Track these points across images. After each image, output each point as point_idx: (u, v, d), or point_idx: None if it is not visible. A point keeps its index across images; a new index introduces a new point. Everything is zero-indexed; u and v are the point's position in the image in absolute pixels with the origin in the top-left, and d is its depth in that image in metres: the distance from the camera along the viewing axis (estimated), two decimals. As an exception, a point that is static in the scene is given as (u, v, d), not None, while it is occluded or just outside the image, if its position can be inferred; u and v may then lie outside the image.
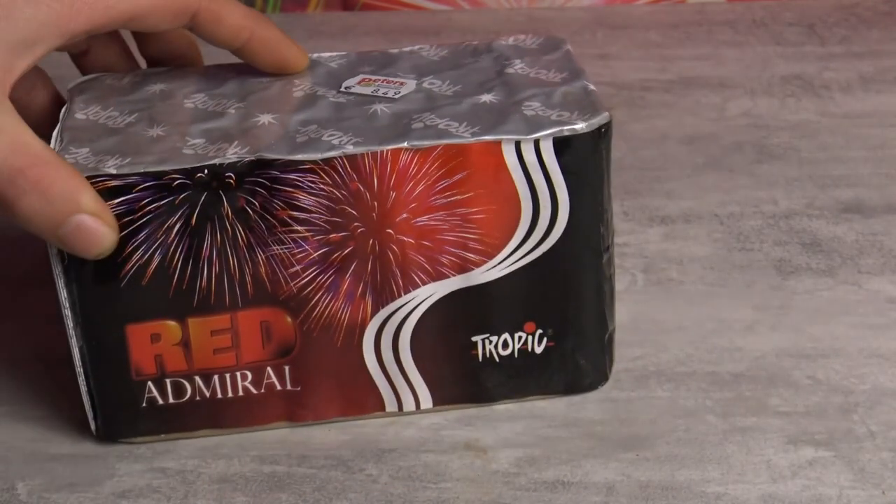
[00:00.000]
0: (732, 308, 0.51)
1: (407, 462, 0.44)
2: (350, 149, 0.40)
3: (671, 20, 0.79)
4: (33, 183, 0.38)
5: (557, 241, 0.43)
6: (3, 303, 0.53)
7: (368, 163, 0.41)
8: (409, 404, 0.45)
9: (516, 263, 0.43)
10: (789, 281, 0.52)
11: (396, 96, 0.44)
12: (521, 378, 0.45)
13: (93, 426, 0.44)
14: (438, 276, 0.43)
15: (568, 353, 0.45)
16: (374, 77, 0.45)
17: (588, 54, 0.74)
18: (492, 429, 0.45)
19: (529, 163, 0.41)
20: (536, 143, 0.41)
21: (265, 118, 0.43)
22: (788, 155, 0.63)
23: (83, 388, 0.43)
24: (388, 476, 0.43)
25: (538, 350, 0.45)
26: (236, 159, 0.40)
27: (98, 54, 0.47)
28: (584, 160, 0.42)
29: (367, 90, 0.44)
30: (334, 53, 0.47)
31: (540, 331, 0.44)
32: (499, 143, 0.41)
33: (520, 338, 0.44)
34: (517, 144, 0.41)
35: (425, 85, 0.44)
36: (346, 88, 0.44)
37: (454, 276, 0.43)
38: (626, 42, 0.76)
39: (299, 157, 0.40)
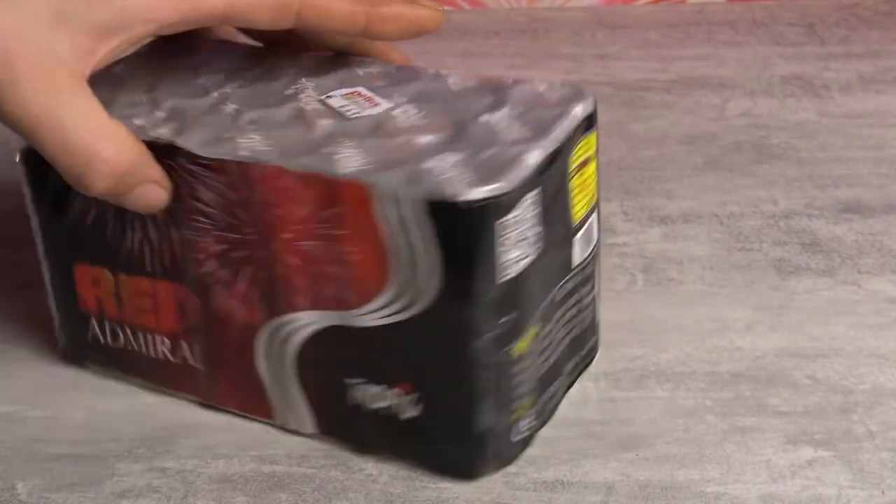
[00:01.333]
0: (732, 308, 0.51)
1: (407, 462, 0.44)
2: (243, 154, 0.40)
3: (671, 20, 0.79)
4: (112, 167, 0.40)
5: (428, 308, 0.39)
6: (3, 303, 0.53)
7: (257, 174, 0.40)
8: (293, 422, 0.44)
9: (391, 317, 0.40)
10: (789, 281, 0.52)
11: (351, 116, 0.42)
12: (392, 438, 0.43)
13: (60, 347, 0.48)
14: (319, 306, 0.41)
15: (435, 432, 0.42)
16: (363, 92, 0.44)
17: (588, 54, 0.74)
18: (491, 429, 0.45)
19: (405, 218, 0.38)
20: (413, 200, 0.38)
21: (230, 107, 0.43)
22: (788, 155, 0.63)
23: (53, 309, 0.48)
24: (388, 476, 0.43)
25: (409, 415, 0.42)
26: (153, 139, 0.41)
27: None
28: (460, 233, 0.38)
29: (339, 103, 0.43)
30: (367, 61, 0.46)
31: (413, 395, 0.41)
32: (366, 188, 0.38)
33: (393, 395, 0.42)
34: (391, 196, 0.38)
35: (394, 112, 0.42)
36: (326, 97, 0.44)
37: (333, 310, 0.41)
38: (626, 42, 0.76)
39: (200, 151, 0.41)
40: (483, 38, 0.78)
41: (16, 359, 0.50)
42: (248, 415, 0.45)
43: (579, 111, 0.42)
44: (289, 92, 0.44)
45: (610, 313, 0.51)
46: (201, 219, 0.42)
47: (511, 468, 0.43)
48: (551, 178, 0.40)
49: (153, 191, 0.41)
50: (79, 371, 0.49)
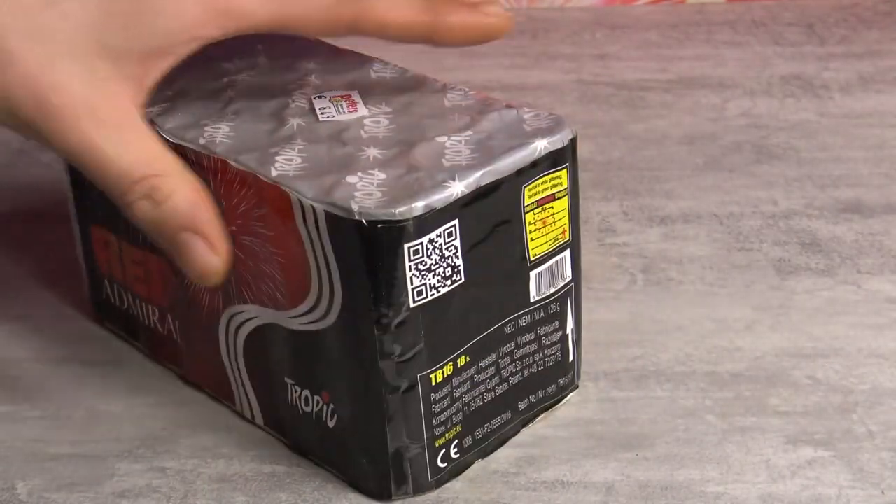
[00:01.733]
0: (732, 308, 0.51)
1: (407, 462, 0.44)
2: (200, 143, 0.41)
3: (671, 20, 0.79)
4: (149, 190, 0.39)
5: (335, 322, 0.39)
6: (3, 303, 0.53)
7: (207, 164, 0.41)
8: (247, 411, 0.45)
9: (309, 325, 0.40)
10: (789, 281, 0.52)
11: (322, 119, 0.42)
12: (321, 444, 0.42)
13: (88, 301, 0.51)
14: (260, 301, 0.42)
15: (354, 448, 0.41)
16: (351, 96, 0.44)
17: (588, 54, 0.74)
18: (491, 429, 0.45)
19: (318, 228, 0.38)
20: (314, 210, 0.38)
21: (228, 94, 0.44)
22: (788, 155, 0.63)
23: (82, 266, 0.50)
24: (387, 476, 0.43)
25: (330, 424, 0.41)
26: (150, 113, 0.42)
27: None
28: (360, 252, 0.37)
29: (322, 105, 0.43)
30: (389, 65, 0.46)
31: (332, 405, 0.41)
32: (287, 194, 0.38)
33: (317, 402, 0.41)
34: (305, 205, 0.38)
35: (366, 120, 0.42)
36: (315, 96, 0.44)
37: (270, 308, 0.41)
38: (625, 42, 0.76)
39: (167, 134, 0.42)
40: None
41: (17, 359, 0.50)
42: (217, 397, 0.46)
43: (542, 145, 0.40)
44: (291, 86, 0.44)
45: (610, 313, 0.51)
46: None
47: (511, 468, 0.43)
48: (487, 210, 0.39)
49: (200, 247, 0.39)
50: (79, 371, 0.49)
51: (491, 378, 0.42)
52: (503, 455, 0.44)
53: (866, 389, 0.46)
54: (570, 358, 0.45)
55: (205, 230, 0.39)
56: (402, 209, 0.37)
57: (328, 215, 0.37)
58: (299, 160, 0.40)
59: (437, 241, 0.38)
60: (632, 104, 0.68)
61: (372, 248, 0.37)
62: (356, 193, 0.38)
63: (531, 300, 0.42)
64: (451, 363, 0.40)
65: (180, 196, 0.39)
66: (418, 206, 0.37)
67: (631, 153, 0.63)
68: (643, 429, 0.45)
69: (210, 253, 0.39)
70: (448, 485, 0.42)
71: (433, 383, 0.40)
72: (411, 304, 0.38)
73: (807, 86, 0.70)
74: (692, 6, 0.81)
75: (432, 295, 0.39)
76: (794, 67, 0.72)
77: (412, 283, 0.38)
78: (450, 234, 0.38)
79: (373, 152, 0.40)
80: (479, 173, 0.39)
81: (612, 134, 0.65)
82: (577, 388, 0.46)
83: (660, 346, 0.49)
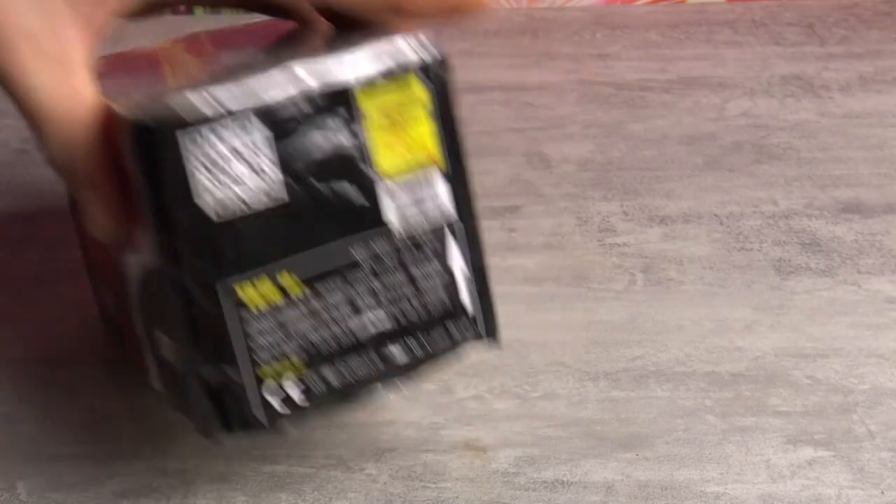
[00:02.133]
0: (732, 308, 0.51)
1: (407, 462, 0.44)
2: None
3: (671, 20, 0.79)
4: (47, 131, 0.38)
5: (151, 242, 0.38)
6: (3, 303, 0.53)
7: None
8: (153, 379, 0.42)
9: (145, 256, 0.39)
10: (789, 281, 0.52)
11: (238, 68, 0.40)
12: (176, 391, 0.40)
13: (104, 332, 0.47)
14: (130, 246, 0.40)
15: (186, 383, 0.39)
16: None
17: (588, 54, 0.74)
18: (491, 428, 0.45)
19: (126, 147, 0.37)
20: (129, 129, 0.36)
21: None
22: (788, 155, 0.63)
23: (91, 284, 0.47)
24: (387, 476, 0.43)
25: (171, 363, 0.40)
26: None
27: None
28: (146, 149, 0.36)
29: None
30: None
31: (171, 341, 0.39)
32: (114, 112, 0.37)
33: (165, 344, 0.40)
34: (123, 124, 0.36)
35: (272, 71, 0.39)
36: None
37: (132, 251, 0.40)
38: (625, 42, 0.76)
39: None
40: (483, 38, 0.77)
41: (16, 359, 0.50)
42: (144, 379, 0.43)
43: (389, 55, 0.38)
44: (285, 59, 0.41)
45: (610, 313, 0.51)
46: None
47: (511, 468, 0.43)
48: (306, 114, 0.37)
49: (97, 206, 0.39)
50: (79, 371, 0.49)
51: (343, 313, 0.39)
52: (503, 455, 0.44)
53: (866, 389, 0.46)
54: (468, 309, 0.41)
55: (104, 189, 0.38)
56: (182, 102, 0.35)
57: (127, 124, 0.36)
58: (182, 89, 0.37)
59: (231, 141, 0.36)
60: (632, 104, 0.68)
61: (151, 144, 0.36)
62: (156, 102, 0.36)
63: (388, 225, 0.39)
64: (269, 281, 0.38)
65: (92, 148, 0.38)
66: (203, 102, 0.36)
67: (631, 153, 0.63)
68: (643, 429, 0.45)
69: (101, 211, 0.39)
70: (448, 484, 0.42)
71: (252, 307, 0.37)
72: (206, 210, 0.36)
73: (807, 86, 0.70)
74: (692, 6, 0.81)
75: (234, 202, 0.37)
76: (794, 67, 0.72)
77: (207, 185, 0.36)
78: (247, 133, 0.37)
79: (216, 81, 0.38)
80: (295, 76, 0.37)
81: (612, 134, 0.65)
82: (486, 340, 0.42)
83: (660, 346, 0.49)
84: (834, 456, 0.43)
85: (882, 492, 0.41)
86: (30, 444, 0.45)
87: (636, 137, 0.65)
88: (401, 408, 0.46)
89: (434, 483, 0.43)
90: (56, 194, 0.60)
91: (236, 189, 0.36)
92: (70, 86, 0.38)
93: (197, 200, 0.36)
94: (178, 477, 0.43)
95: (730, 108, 0.67)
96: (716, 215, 0.58)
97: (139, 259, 0.39)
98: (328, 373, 0.39)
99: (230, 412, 0.38)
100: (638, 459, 0.43)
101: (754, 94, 0.69)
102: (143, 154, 0.36)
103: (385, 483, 0.43)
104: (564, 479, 0.42)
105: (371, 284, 0.39)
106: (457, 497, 0.42)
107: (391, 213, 0.39)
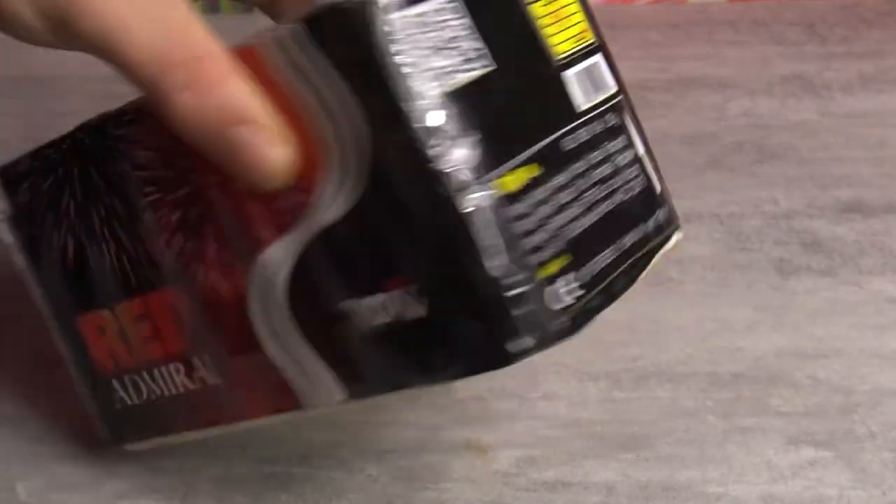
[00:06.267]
0: (732, 308, 0.51)
1: (407, 462, 0.44)
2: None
3: (671, 20, 0.79)
4: (188, 78, 0.32)
5: (374, 160, 0.32)
6: (2, 303, 0.53)
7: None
8: (323, 398, 0.35)
9: (352, 195, 0.32)
10: (789, 281, 0.52)
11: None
12: (405, 354, 0.33)
13: (102, 437, 0.42)
14: (283, 229, 0.34)
15: (451, 319, 0.32)
16: None
17: (588, 54, 0.74)
18: (492, 429, 0.45)
19: (297, 62, 0.32)
20: (296, 37, 0.31)
21: None
22: (789, 155, 0.63)
23: (82, 393, 0.41)
24: (388, 476, 0.43)
25: (418, 312, 0.33)
26: (82, 123, 0.36)
27: None
28: (353, 44, 0.31)
29: None
30: None
31: (412, 286, 0.32)
32: (252, 49, 0.32)
33: (391, 299, 0.33)
34: (279, 46, 0.32)
35: None
36: None
37: (295, 225, 0.33)
38: (626, 42, 0.76)
39: (115, 108, 0.36)
40: None
41: (16, 359, 0.50)
42: (281, 415, 0.37)
43: None
44: None
45: (610, 313, 0.51)
46: (151, 189, 0.36)
47: (511, 468, 0.43)
48: None
49: (260, 140, 0.32)
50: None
51: (575, 202, 0.34)
52: (503, 455, 0.44)
53: (867, 390, 0.46)
54: (658, 188, 0.38)
55: (263, 119, 0.32)
56: None
57: (302, 31, 0.31)
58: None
59: (431, 17, 0.32)
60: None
61: (356, 34, 0.31)
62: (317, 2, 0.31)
63: (578, 109, 0.36)
64: (517, 171, 0.33)
65: (232, 83, 0.32)
66: None
67: (631, 153, 0.63)
68: (644, 429, 0.45)
69: (274, 143, 0.32)
70: (448, 485, 0.42)
71: (507, 193, 0.32)
72: (435, 90, 0.32)
73: (808, 85, 0.70)
74: (693, 6, 0.81)
75: (461, 80, 0.32)
76: (795, 67, 0.72)
77: (425, 65, 0.32)
78: (444, 9, 0.33)
79: None
80: None
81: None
82: (679, 228, 0.39)
83: (660, 346, 0.49)
84: (835, 456, 0.43)
85: (883, 492, 0.41)
86: (30, 444, 0.45)
87: (637, 137, 0.65)
88: (401, 408, 0.46)
89: (434, 484, 0.43)
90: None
91: (442, 60, 0.32)
92: (178, 24, 0.32)
93: (413, 80, 0.31)
94: (178, 477, 0.43)
95: (730, 108, 0.67)
96: (716, 215, 0.58)
97: (303, 231, 0.33)
98: (591, 267, 0.35)
99: (519, 322, 0.32)
100: (639, 460, 0.43)
101: (755, 94, 0.69)
102: (334, 47, 0.31)
103: (385, 484, 0.43)
104: (565, 479, 0.42)
105: (585, 171, 0.35)
106: (457, 498, 0.42)
107: (578, 97, 0.36)
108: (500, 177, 0.32)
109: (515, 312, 0.32)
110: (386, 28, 0.31)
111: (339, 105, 0.32)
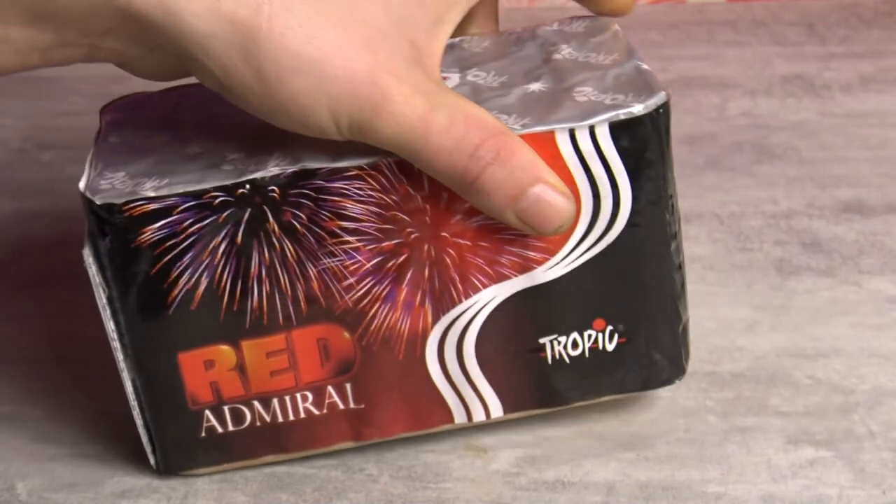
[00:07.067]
0: (732, 308, 0.51)
1: (407, 462, 0.44)
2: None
3: (671, 20, 0.79)
4: (494, 154, 0.37)
5: (622, 232, 0.40)
6: (3, 303, 0.53)
7: (392, 171, 0.39)
8: (478, 414, 0.43)
9: (580, 258, 0.41)
10: (789, 281, 0.52)
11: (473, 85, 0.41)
12: (593, 378, 0.43)
13: (152, 460, 0.43)
14: (499, 278, 0.41)
15: (642, 349, 0.43)
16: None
17: (588, 54, 0.74)
18: (492, 429, 0.45)
19: (586, 151, 0.39)
20: (592, 129, 0.39)
21: None
22: (788, 155, 0.63)
23: (139, 421, 0.42)
24: (388, 476, 0.43)
25: (609, 348, 0.42)
26: (278, 171, 0.38)
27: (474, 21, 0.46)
28: (644, 144, 0.39)
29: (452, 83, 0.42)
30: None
31: (610, 327, 0.42)
32: (551, 133, 0.38)
33: (590, 336, 0.42)
34: (571, 133, 0.39)
35: (469, 78, 0.41)
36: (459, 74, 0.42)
37: (516, 276, 0.41)
38: (626, 42, 0.76)
39: (344, 163, 0.38)
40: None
41: (16, 359, 0.50)
42: (414, 433, 0.43)
43: (619, 30, 0.45)
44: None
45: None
46: (349, 239, 0.39)
47: (511, 468, 0.43)
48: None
49: (553, 194, 0.38)
50: (79, 371, 0.49)
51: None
52: (503, 455, 0.44)
53: (867, 389, 0.46)
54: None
55: (549, 175, 0.38)
56: (656, 97, 0.39)
57: (612, 125, 0.39)
58: (504, 115, 0.39)
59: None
60: (632, 104, 0.68)
61: (654, 137, 0.39)
62: (608, 100, 0.39)
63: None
64: (678, 238, 0.43)
65: (525, 149, 0.38)
66: (661, 94, 0.39)
67: (631, 153, 0.63)
68: (644, 429, 0.45)
69: (565, 195, 0.38)
70: (448, 485, 0.42)
71: (682, 256, 0.43)
72: (674, 181, 0.41)
73: (807, 86, 0.70)
74: (693, 6, 0.81)
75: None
76: (794, 67, 0.72)
77: (671, 161, 0.41)
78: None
79: (540, 85, 0.41)
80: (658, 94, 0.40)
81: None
82: None
83: (660, 346, 0.49)
84: (835, 456, 0.43)
85: (883, 492, 0.41)
86: (30, 444, 0.45)
87: (637, 137, 0.65)
88: (401, 408, 0.46)
89: (435, 483, 0.43)
90: (56, 194, 0.61)
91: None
92: (465, 112, 0.38)
93: (669, 177, 0.41)
94: (178, 477, 0.43)
95: (730, 108, 0.67)
96: (716, 215, 0.57)
97: (520, 282, 0.41)
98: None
99: (687, 350, 0.44)
100: (639, 459, 0.43)
101: (755, 94, 0.69)
102: (630, 146, 0.39)
103: (385, 483, 0.43)
104: (565, 479, 0.42)
105: None
106: (457, 497, 0.42)
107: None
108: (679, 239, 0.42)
109: (687, 340, 0.44)
110: (665, 135, 0.40)
111: (607, 188, 0.39)
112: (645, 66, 0.41)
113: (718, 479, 0.42)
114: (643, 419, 0.45)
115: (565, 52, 0.43)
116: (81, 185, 0.39)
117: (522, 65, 0.42)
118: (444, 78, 0.42)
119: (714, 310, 0.51)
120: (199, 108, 0.43)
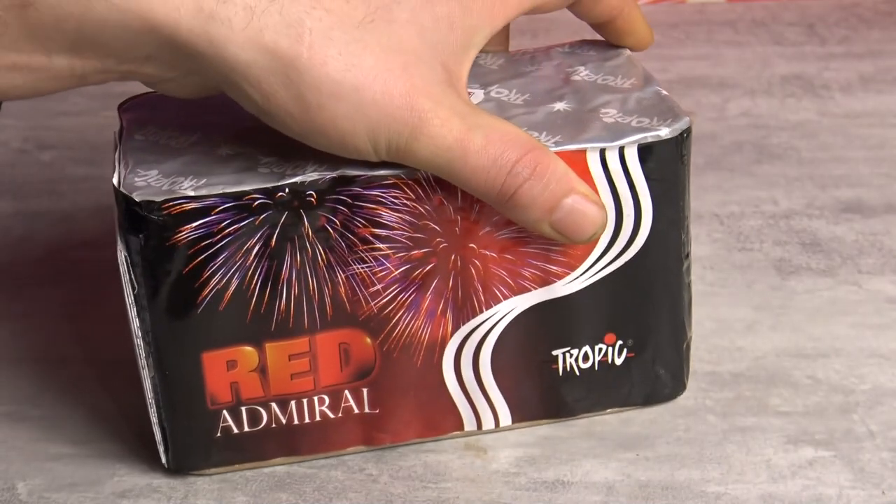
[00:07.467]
0: (732, 308, 0.51)
1: (407, 462, 0.44)
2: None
3: (671, 20, 0.79)
4: (531, 169, 0.38)
5: (640, 250, 0.42)
6: (2, 303, 0.53)
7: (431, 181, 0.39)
8: (488, 422, 0.44)
9: (598, 274, 0.42)
10: (789, 281, 0.52)
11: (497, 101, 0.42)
12: (600, 391, 0.44)
13: (164, 459, 0.42)
14: (520, 290, 0.41)
15: (647, 364, 0.44)
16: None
17: (588, 54, 0.74)
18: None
19: (613, 171, 0.40)
20: (621, 150, 0.40)
21: None
22: (788, 155, 0.63)
23: (154, 419, 0.42)
24: (388, 476, 0.43)
25: (618, 362, 0.44)
26: (318, 177, 0.39)
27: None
28: (667, 166, 0.41)
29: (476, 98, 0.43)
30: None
31: (620, 342, 0.43)
32: (583, 151, 0.40)
33: (600, 350, 0.43)
34: (602, 152, 0.40)
35: (493, 94, 0.42)
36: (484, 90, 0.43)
37: (536, 289, 0.42)
38: (626, 42, 0.76)
39: (382, 171, 0.39)
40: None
41: (16, 359, 0.50)
42: (425, 439, 0.44)
43: (632, 55, 0.47)
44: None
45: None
46: (380, 246, 0.40)
47: (511, 468, 0.43)
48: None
49: (586, 204, 0.39)
50: (79, 371, 0.49)
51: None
52: (503, 455, 0.44)
53: (867, 389, 0.46)
54: None
55: (581, 185, 0.39)
56: (681, 122, 0.41)
57: (640, 147, 0.40)
58: (535, 132, 0.40)
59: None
60: (632, 104, 0.68)
61: (677, 161, 0.41)
62: (634, 123, 0.40)
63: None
64: (689, 258, 0.44)
65: (557, 162, 0.39)
66: (685, 120, 0.41)
67: (631, 153, 0.63)
68: (644, 429, 0.45)
69: (597, 204, 0.40)
70: (448, 485, 0.42)
71: (691, 276, 0.44)
72: (689, 203, 0.42)
73: (807, 86, 0.70)
74: (693, 6, 0.81)
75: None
76: (794, 67, 0.72)
77: (689, 185, 0.42)
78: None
79: (564, 105, 0.42)
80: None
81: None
82: None
83: (660, 346, 0.49)
84: (834, 456, 0.43)
85: (883, 492, 0.41)
86: (30, 444, 0.45)
87: (636, 137, 0.65)
88: (401, 408, 0.46)
89: (435, 483, 0.43)
90: (56, 194, 0.61)
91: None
92: (497, 129, 0.39)
93: (686, 200, 0.42)
94: (178, 477, 0.43)
95: (730, 108, 0.67)
96: (716, 215, 0.58)
97: (539, 294, 0.42)
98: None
99: (688, 365, 0.45)
100: (638, 459, 0.43)
101: (755, 94, 0.69)
102: (655, 167, 0.41)
103: (385, 483, 0.43)
104: (565, 479, 0.42)
105: None
106: (457, 497, 0.42)
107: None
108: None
109: (687, 359, 0.45)
110: (685, 157, 0.41)
111: (630, 207, 0.41)
112: (664, 92, 0.42)
113: (718, 478, 0.42)
114: (643, 419, 0.45)
115: (583, 73, 0.44)
116: (115, 180, 0.39)
117: (543, 84, 0.43)
118: (469, 94, 0.42)
119: (714, 310, 0.51)
120: (222, 111, 0.42)
